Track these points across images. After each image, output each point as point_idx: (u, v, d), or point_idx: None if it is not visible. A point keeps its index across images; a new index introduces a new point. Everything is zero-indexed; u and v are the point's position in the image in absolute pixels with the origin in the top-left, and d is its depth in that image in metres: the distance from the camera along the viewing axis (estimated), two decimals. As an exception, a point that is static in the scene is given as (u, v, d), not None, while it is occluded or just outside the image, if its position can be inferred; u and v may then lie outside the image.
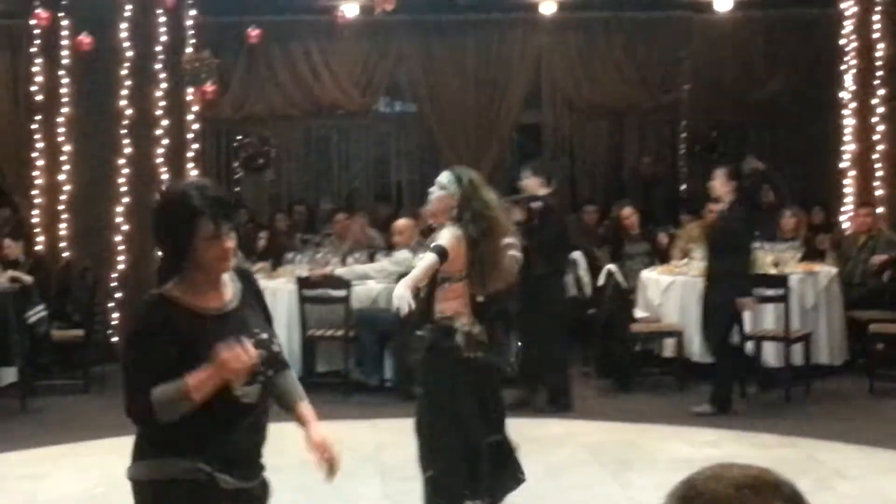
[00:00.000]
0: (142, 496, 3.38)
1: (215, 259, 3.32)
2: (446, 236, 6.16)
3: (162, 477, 3.28)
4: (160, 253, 3.51)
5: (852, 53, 12.48)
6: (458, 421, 6.18)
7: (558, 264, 10.01)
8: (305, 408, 3.54)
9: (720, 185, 9.78)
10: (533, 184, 10.02)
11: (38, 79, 12.31)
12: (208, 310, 3.35)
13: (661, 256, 11.87)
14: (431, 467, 6.16)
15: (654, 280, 11.09)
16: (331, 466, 3.52)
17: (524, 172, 10.25)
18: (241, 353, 3.08)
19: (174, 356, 3.20)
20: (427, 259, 6.22)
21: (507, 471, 6.46)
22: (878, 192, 12.20)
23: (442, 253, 6.06)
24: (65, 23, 11.89)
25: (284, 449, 7.18)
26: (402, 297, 5.90)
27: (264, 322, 3.53)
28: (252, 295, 3.55)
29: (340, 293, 10.19)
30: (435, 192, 6.40)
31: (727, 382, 9.69)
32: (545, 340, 9.67)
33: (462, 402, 6.19)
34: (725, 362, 9.80)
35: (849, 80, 12.53)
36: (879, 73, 12.16)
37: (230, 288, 3.44)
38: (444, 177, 6.39)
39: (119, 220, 11.67)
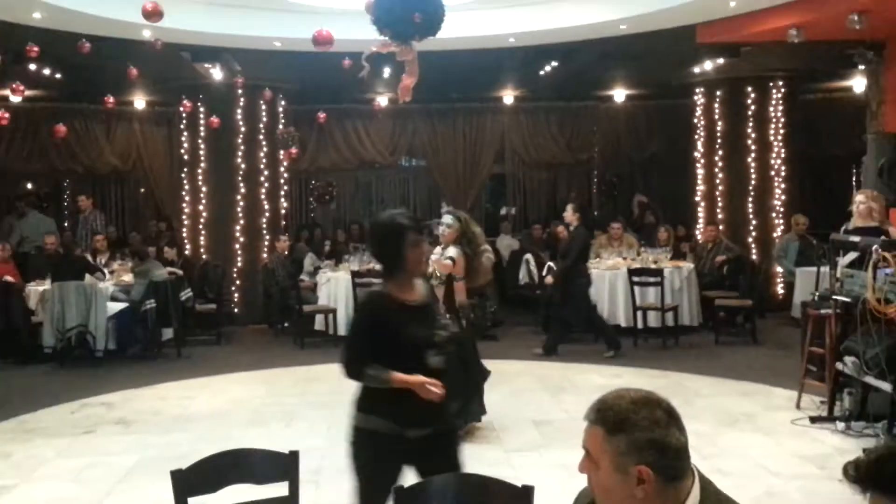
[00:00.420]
0: (355, 437, 3.70)
1: (416, 261, 3.72)
2: (454, 252, 6.94)
3: (368, 426, 3.63)
4: (378, 261, 3.91)
5: (700, 129, 13.59)
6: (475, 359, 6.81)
7: (580, 265, 10.45)
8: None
9: (569, 214, 10.59)
10: (570, 216, 10.56)
11: (185, 145, 13.38)
12: (411, 302, 3.69)
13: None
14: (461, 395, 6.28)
15: (579, 272, 10.94)
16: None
17: (568, 206, 10.74)
18: (435, 389, 3.47)
19: (385, 334, 3.60)
20: (447, 261, 6.99)
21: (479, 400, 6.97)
22: (720, 216, 13.22)
23: (454, 260, 6.94)
24: (201, 109, 12.84)
25: (342, 380, 8.79)
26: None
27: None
28: (431, 292, 3.97)
29: (378, 280, 11.57)
30: (444, 228, 7.12)
31: (609, 332, 10.54)
32: (580, 311, 10.34)
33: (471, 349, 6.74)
34: (600, 322, 10.62)
35: (699, 146, 13.62)
36: (718, 141, 13.31)
37: (421, 287, 3.80)
38: (449, 218, 7.17)
39: (237, 234, 13.05)
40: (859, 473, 1.59)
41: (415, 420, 3.57)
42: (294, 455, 3.25)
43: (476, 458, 6.15)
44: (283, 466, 3.24)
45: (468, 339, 6.79)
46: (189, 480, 3.10)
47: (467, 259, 6.96)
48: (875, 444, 5.57)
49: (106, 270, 11.32)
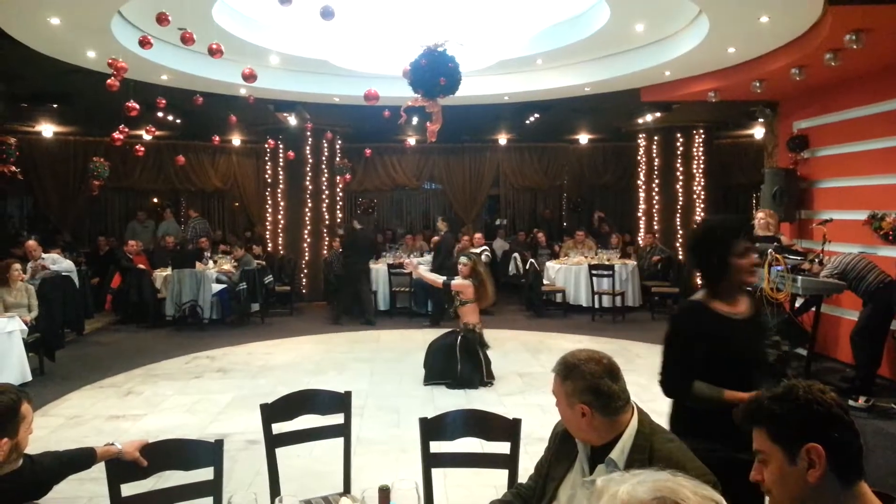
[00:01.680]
0: None
1: (744, 271, 2.65)
2: (460, 281, 6.93)
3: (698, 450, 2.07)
4: (700, 271, 2.77)
5: (642, 163, 13.47)
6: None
7: (448, 261, 10.48)
8: None
9: (440, 224, 11.14)
10: (441, 224, 11.13)
11: (268, 171, 13.25)
12: (736, 315, 2.65)
13: (554, 256, 12.72)
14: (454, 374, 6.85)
15: (552, 266, 11.68)
16: None
17: (439, 218, 11.27)
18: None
19: (705, 350, 2.55)
20: (438, 278, 7.04)
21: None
22: (656, 227, 13.08)
23: (446, 285, 6.91)
24: (281, 146, 12.71)
25: (380, 341, 8.60)
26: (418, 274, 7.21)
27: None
28: (757, 304, 2.75)
29: (407, 271, 10.46)
30: (461, 264, 7.05)
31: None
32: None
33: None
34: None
35: (641, 176, 13.49)
36: (656, 173, 13.20)
37: (747, 299, 2.72)
38: (464, 258, 7.08)
39: (305, 236, 12.98)
40: (742, 414, 1.64)
41: (743, 443, 2.16)
42: (348, 394, 3.28)
43: (478, 400, 6.38)
44: (339, 402, 3.27)
45: (476, 347, 6.90)
46: (272, 411, 3.14)
47: (476, 287, 6.86)
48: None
49: (210, 261, 11.30)
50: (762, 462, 1.59)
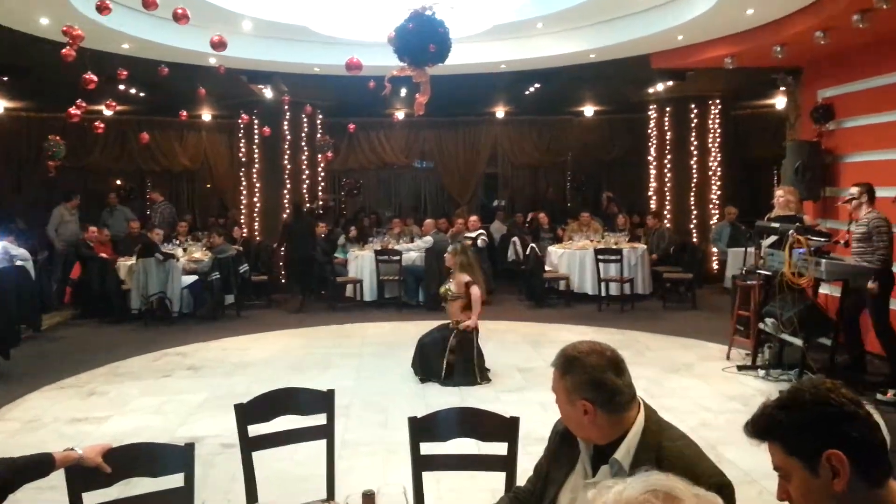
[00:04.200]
0: None
1: None
2: (458, 279, 7.04)
3: None
4: None
5: (653, 137, 13.53)
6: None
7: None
8: None
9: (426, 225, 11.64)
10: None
11: (242, 149, 13.51)
12: None
13: (557, 240, 12.77)
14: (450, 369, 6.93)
15: (554, 251, 11.78)
16: None
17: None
18: None
19: None
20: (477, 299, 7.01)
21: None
22: (668, 207, 13.28)
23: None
24: (256, 121, 12.85)
25: (367, 335, 8.54)
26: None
27: None
28: None
29: (396, 258, 11.14)
30: (449, 252, 7.27)
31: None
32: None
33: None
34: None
35: (652, 151, 13.56)
36: (667, 147, 13.28)
37: None
38: (451, 247, 7.38)
39: (283, 221, 12.94)
40: (752, 429, 1.60)
41: None
42: (330, 392, 3.28)
43: (474, 397, 6.42)
44: (321, 401, 3.27)
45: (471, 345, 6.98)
46: (248, 412, 3.14)
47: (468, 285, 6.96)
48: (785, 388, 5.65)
49: (178, 250, 11.18)
50: (784, 479, 1.57)
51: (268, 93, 11.70)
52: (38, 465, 2.53)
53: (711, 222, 13.00)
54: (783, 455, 1.56)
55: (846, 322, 6.83)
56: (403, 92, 10.92)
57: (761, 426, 1.59)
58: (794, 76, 9.55)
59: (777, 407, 1.58)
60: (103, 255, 11.13)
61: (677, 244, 12.15)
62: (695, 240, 12.86)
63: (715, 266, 12.92)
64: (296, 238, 11.89)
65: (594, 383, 1.99)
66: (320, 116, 13.56)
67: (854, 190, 6.81)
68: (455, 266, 7.03)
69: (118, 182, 15.25)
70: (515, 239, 12.72)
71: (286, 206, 13.12)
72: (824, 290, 7.08)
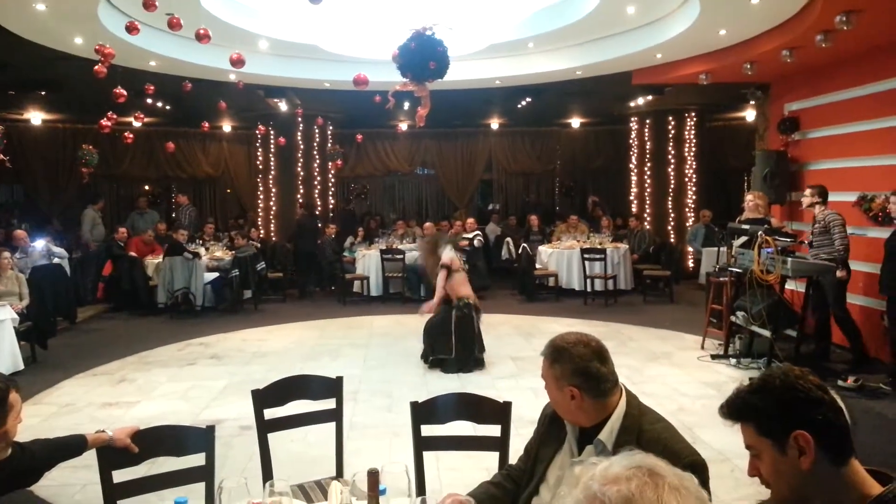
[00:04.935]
0: None
1: None
2: (449, 252, 7.14)
3: None
4: None
5: (634, 147, 13.62)
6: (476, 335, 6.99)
7: None
8: None
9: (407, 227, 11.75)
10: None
11: (260, 158, 13.67)
12: None
13: (547, 240, 12.67)
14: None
15: (544, 250, 11.76)
16: None
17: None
18: None
19: None
20: (439, 283, 7.00)
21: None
22: (648, 210, 13.26)
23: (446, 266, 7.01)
24: (272, 132, 12.93)
25: (373, 327, 8.52)
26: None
27: None
28: None
29: (400, 256, 11.18)
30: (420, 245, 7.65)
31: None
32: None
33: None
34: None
35: (633, 159, 13.63)
36: (647, 156, 13.30)
37: None
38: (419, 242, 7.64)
39: (297, 219, 12.85)
40: (727, 410, 1.61)
41: None
42: (339, 379, 3.28)
43: (471, 383, 6.41)
44: (331, 387, 3.26)
45: (472, 324, 6.89)
46: (264, 397, 3.14)
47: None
48: (755, 376, 5.72)
49: (202, 249, 11.15)
50: (755, 457, 1.58)
51: (282, 106, 11.79)
52: (72, 445, 2.55)
53: (687, 224, 12.98)
54: (755, 435, 1.56)
55: (816, 314, 6.85)
56: (406, 105, 10.94)
57: (735, 408, 1.60)
58: (763, 91, 9.54)
59: (750, 391, 1.59)
60: (133, 253, 11.08)
61: (656, 244, 12.19)
62: (672, 240, 12.87)
63: (691, 264, 12.91)
64: (305, 234, 12.02)
65: (581, 371, 1.99)
66: (331, 127, 13.61)
67: (807, 191, 6.93)
68: (426, 252, 7.09)
69: (147, 188, 15.23)
70: (508, 239, 12.75)
71: (298, 209, 13.10)
72: (790, 286, 7.07)
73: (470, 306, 6.90)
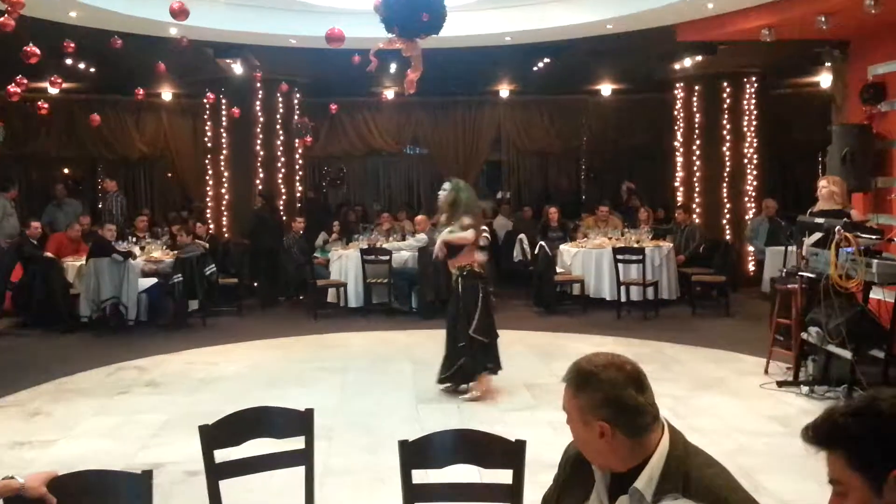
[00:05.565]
0: None
1: None
2: (459, 234, 6.93)
3: None
4: None
5: (680, 120, 13.61)
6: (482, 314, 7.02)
7: None
8: None
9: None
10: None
11: (208, 133, 13.63)
12: None
13: (570, 237, 12.73)
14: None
15: (567, 250, 11.83)
16: None
17: None
18: None
19: None
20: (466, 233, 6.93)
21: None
22: (697, 200, 13.33)
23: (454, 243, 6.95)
24: (223, 101, 13.00)
25: (351, 347, 8.62)
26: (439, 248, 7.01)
27: None
28: None
29: (385, 258, 11.08)
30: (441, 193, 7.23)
31: None
32: None
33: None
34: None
35: (678, 136, 13.66)
36: (696, 132, 13.33)
37: None
38: (446, 184, 7.29)
39: (255, 210, 12.80)
40: (813, 434, 1.59)
41: None
42: (309, 412, 3.28)
43: (474, 417, 6.40)
44: (299, 422, 3.27)
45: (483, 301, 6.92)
46: (215, 435, 3.14)
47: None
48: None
49: (136, 248, 11.22)
50: (840, 495, 1.56)
51: (237, 68, 11.72)
52: None
53: (747, 217, 13.03)
54: (844, 468, 1.55)
55: None
56: (393, 68, 10.89)
57: (824, 432, 1.58)
58: (841, 50, 9.55)
59: (846, 413, 1.57)
60: (49, 254, 11.08)
61: (708, 242, 12.21)
62: (728, 237, 12.89)
63: (751, 267, 12.98)
64: (265, 230, 12.13)
65: (613, 402, 1.98)
66: (297, 96, 13.61)
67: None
68: (447, 205, 7.06)
69: (66, 171, 15.29)
70: (522, 236, 12.71)
71: (257, 198, 13.16)
72: (876, 294, 7.09)
73: (475, 277, 7.04)
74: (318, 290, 11.57)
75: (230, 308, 11.74)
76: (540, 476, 2.85)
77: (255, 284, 12.35)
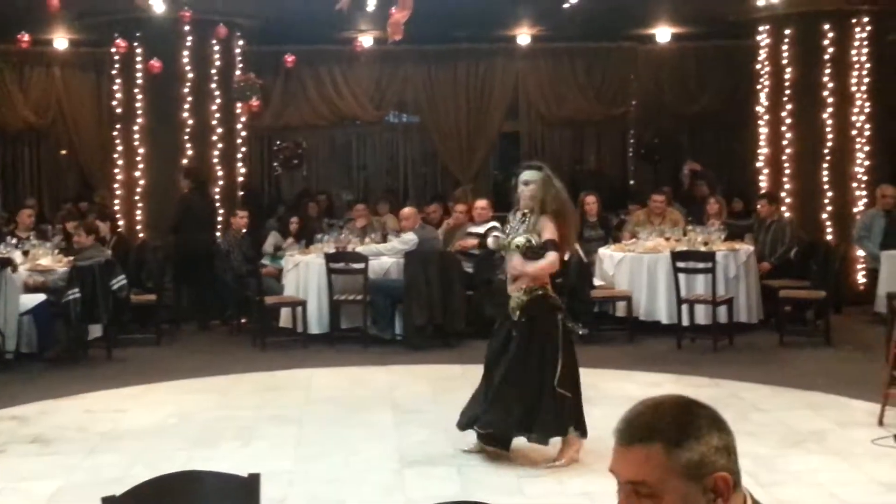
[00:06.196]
0: None
1: None
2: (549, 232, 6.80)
3: None
4: None
5: (765, 76, 13.70)
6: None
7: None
8: None
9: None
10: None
11: (118, 95, 13.49)
12: None
13: (613, 237, 12.83)
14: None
15: (608, 255, 11.89)
16: None
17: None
18: None
19: None
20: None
21: None
22: (787, 186, 13.35)
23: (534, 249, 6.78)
24: (139, 50, 12.90)
25: (313, 388, 8.65)
26: None
27: None
28: None
29: (360, 266, 11.07)
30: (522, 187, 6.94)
31: None
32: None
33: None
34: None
35: (763, 98, 13.77)
36: (787, 92, 13.34)
37: None
38: (527, 173, 7.01)
39: (181, 197, 12.88)
40: None
41: None
42: (254, 478, 3.24)
43: (481, 484, 6.38)
44: (240, 493, 3.23)
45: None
46: (124, 510, 3.14)
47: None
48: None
49: (15, 254, 11.18)
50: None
51: (158, 5, 11.61)
52: None
53: (856, 210, 13.08)
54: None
55: None
56: (371, 5, 10.84)
57: None
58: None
59: None
60: None
61: (802, 245, 12.19)
62: (830, 237, 12.91)
63: (861, 279, 13.03)
64: (194, 226, 12.17)
65: (727, 446, 1.92)
66: (241, 44, 13.70)
67: None
68: (536, 203, 6.86)
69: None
70: (548, 236, 12.80)
71: (187, 182, 13.09)
72: None
73: (549, 304, 6.92)
74: (267, 311, 11.57)
75: (146, 335, 11.80)
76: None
77: (180, 302, 12.39)
